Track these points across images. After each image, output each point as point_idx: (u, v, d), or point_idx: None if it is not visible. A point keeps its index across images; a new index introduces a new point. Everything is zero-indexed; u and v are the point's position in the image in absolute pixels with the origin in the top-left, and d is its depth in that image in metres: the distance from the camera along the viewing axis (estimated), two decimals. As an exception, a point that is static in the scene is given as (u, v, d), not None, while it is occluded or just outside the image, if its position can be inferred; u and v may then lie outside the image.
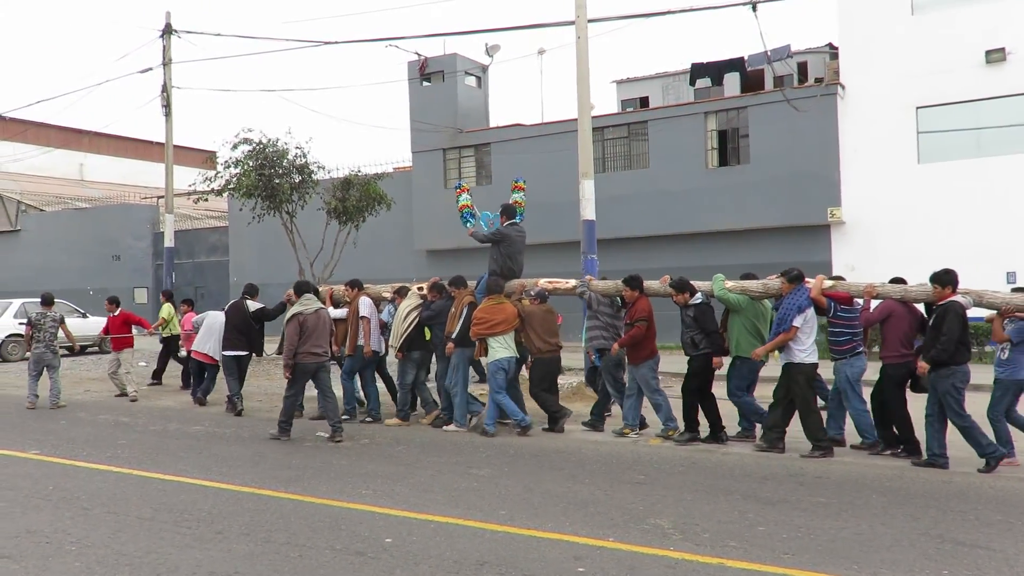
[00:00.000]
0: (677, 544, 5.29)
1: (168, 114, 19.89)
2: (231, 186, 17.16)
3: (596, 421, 9.61)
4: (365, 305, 10.44)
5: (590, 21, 13.31)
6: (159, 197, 31.42)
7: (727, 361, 8.87)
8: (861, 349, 8.16)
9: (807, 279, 8.23)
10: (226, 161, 17.18)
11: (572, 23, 13.36)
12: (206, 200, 18.83)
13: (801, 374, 8.03)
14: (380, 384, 10.96)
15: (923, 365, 7.37)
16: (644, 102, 25.59)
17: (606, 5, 17.87)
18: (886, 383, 7.93)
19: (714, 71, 21.86)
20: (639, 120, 22.02)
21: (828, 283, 8.20)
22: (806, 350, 8.01)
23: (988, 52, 18.12)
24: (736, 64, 21.48)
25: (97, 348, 21.72)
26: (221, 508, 6.27)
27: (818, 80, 20.94)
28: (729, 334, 8.73)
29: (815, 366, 8.15)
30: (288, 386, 9.35)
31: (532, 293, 9.67)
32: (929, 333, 7.49)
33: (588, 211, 12.87)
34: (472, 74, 24.80)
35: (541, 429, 9.58)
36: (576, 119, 13.46)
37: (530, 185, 22.00)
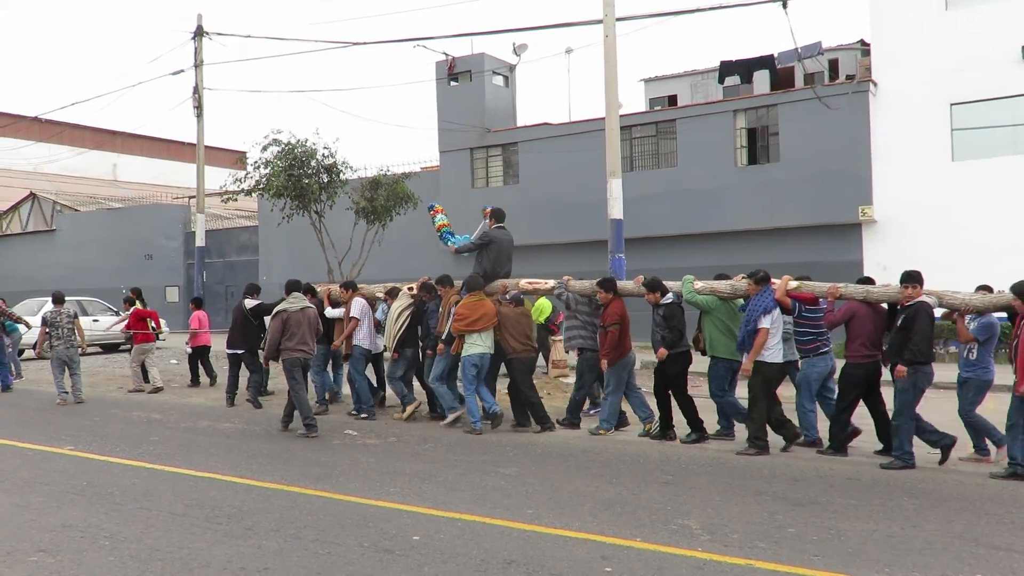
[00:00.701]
0: (705, 545, 5.25)
1: (199, 115, 20.13)
2: (261, 186, 17.33)
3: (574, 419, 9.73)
4: (356, 306, 10.75)
5: (618, 20, 13.29)
6: (190, 197, 31.81)
7: (699, 361, 9.01)
8: (826, 349, 8.26)
9: (773, 280, 8.31)
10: (256, 162, 17.34)
11: (600, 22, 13.33)
12: (235, 200, 19.03)
13: (761, 372, 8.14)
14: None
15: (901, 368, 7.33)
16: (672, 100, 25.44)
17: (634, 3, 17.74)
18: (843, 380, 7.94)
19: (743, 69, 21.61)
20: (667, 119, 21.91)
21: (793, 284, 8.30)
22: (771, 349, 8.11)
23: (1024, 47, 17.79)
24: (766, 61, 21.22)
25: (130, 346, 22.06)
26: (251, 505, 6.34)
27: (849, 77, 20.69)
28: (703, 334, 8.85)
29: (781, 365, 8.27)
30: (290, 385, 9.63)
31: (507, 297, 9.89)
32: (898, 334, 7.48)
33: (616, 210, 12.84)
34: (500, 73, 24.83)
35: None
36: (604, 118, 13.43)
37: (557, 184, 22.16)
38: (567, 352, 10.24)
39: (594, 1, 14.11)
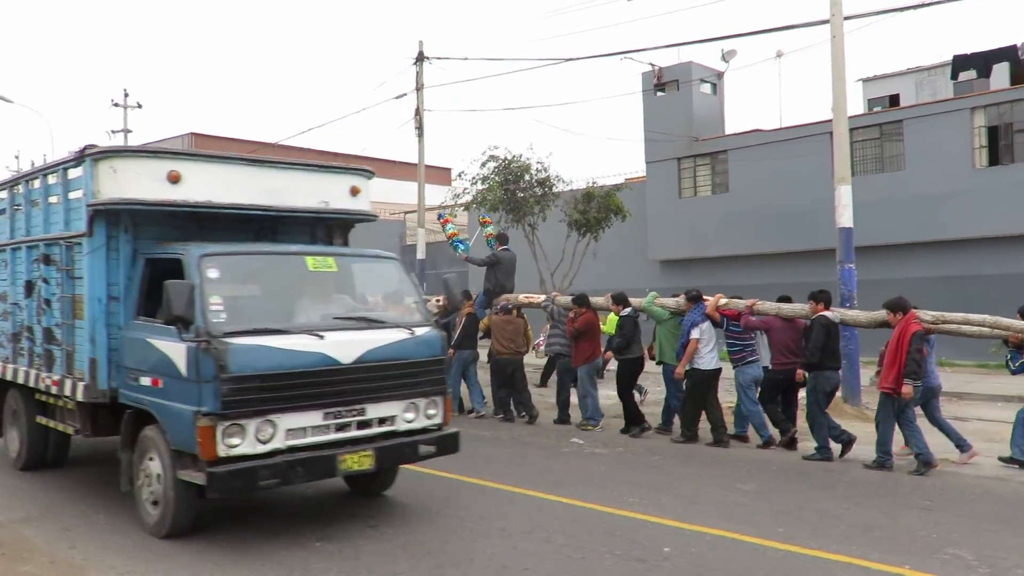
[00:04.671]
0: (985, 578, 4.88)
1: (420, 135, 21.27)
2: (477, 201, 18.11)
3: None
4: None
5: (846, 18, 12.64)
6: (406, 212, 33.73)
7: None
8: (753, 358, 9.37)
9: (706, 297, 9.61)
10: (474, 177, 18.16)
11: (824, 22, 12.74)
12: (455, 216, 19.97)
13: (693, 377, 9.45)
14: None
15: (799, 372, 8.74)
16: (894, 100, 23.84)
17: (855, 1, 16.83)
18: (765, 382, 9.15)
19: (980, 62, 19.86)
20: (893, 120, 20.49)
21: (723, 301, 9.54)
22: (703, 358, 9.36)
23: None
24: (1007, 53, 19.41)
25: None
26: (499, 508, 6.60)
27: (1111, 64, 18.45)
28: (656, 343, 10.21)
29: (712, 372, 9.39)
30: None
31: (497, 308, 11.53)
32: (803, 344, 8.70)
33: (845, 218, 12.18)
34: (707, 81, 24.33)
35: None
36: (826, 121, 12.87)
37: (771, 192, 21.41)
38: (546, 356, 12.60)
39: (803, 3, 13.53)
